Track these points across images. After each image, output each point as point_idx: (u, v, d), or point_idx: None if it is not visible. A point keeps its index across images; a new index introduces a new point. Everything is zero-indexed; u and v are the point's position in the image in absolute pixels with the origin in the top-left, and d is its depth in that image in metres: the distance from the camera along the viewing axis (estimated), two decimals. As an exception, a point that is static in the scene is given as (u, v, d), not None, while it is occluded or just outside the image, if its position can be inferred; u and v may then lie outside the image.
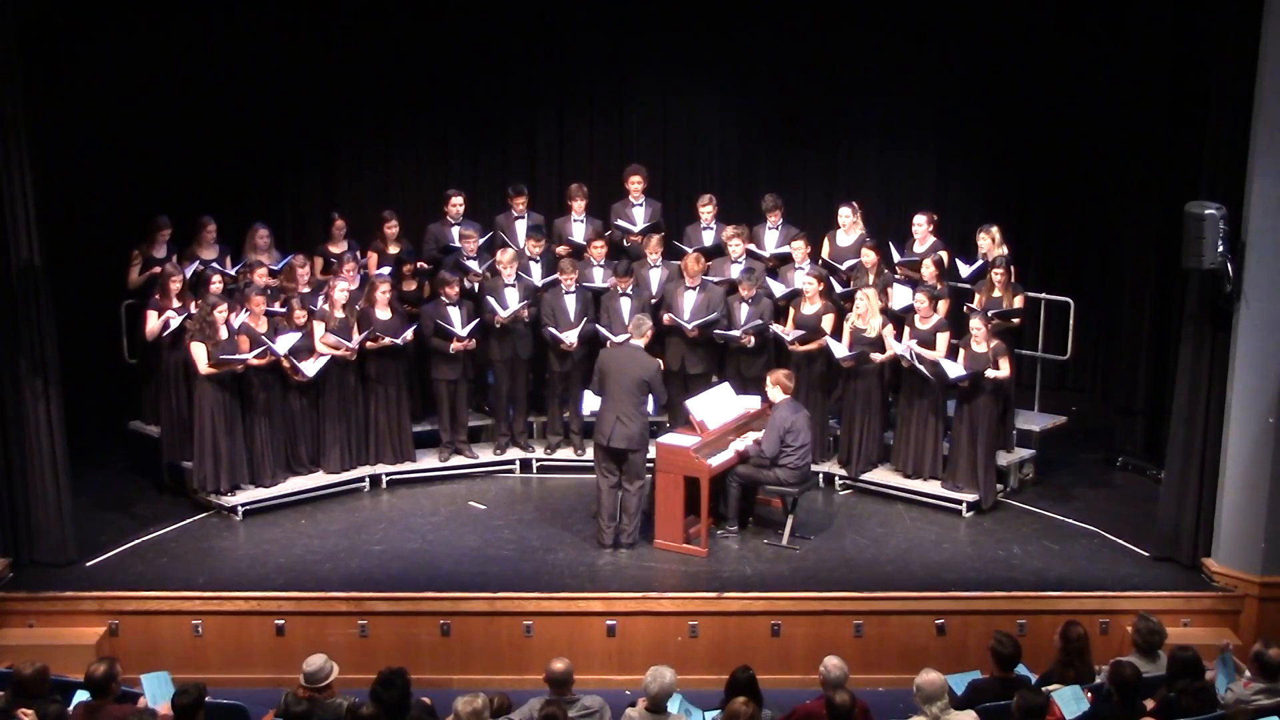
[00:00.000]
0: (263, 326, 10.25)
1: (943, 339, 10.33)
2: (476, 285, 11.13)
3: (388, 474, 10.88)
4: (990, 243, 10.93)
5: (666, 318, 10.77)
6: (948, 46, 12.60)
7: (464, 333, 10.65)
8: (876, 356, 10.46)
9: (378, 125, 12.90)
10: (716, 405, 10.06)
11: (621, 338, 9.72)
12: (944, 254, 11.03)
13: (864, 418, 10.70)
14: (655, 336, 10.87)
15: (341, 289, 10.50)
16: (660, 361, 10.14)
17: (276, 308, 10.50)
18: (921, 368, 10.21)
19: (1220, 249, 8.85)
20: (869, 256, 10.93)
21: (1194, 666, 7.10)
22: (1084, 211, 12.79)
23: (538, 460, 11.25)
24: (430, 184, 12.61)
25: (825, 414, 10.98)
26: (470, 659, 9.02)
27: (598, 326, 10.80)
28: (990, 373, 10.08)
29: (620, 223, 11.58)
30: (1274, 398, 9.01)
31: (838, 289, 11.07)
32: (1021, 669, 7.43)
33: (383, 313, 10.59)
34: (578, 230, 11.52)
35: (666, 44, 12.75)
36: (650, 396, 9.80)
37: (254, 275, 10.60)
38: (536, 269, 11.17)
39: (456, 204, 11.49)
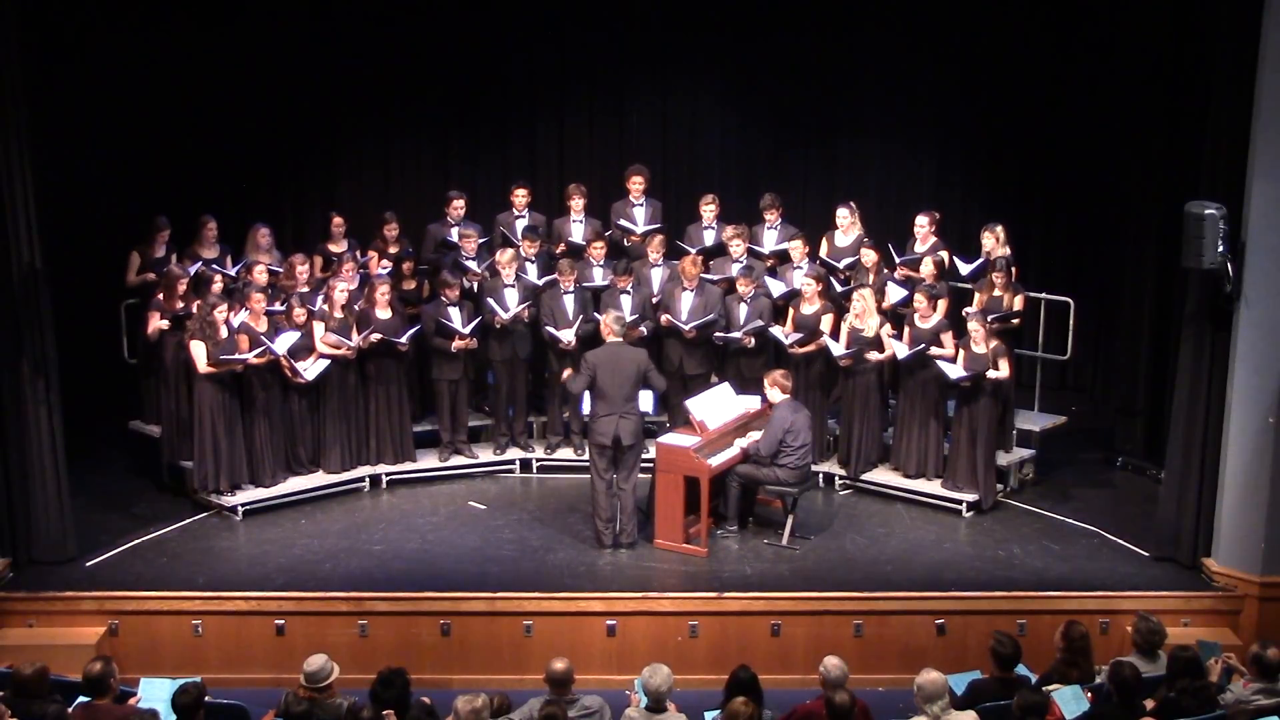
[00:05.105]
0: (263, 326, 10.25)
1: (947, 339, 10.34)
2: (475, 285, 11.13)
3: (388, 474, 10.88)
4: (994, 242, 10.93)
5: (664, 319, 10.78)
6: (947, 47, 12.60)
7: (465, 330, 10.66)
8: (874, 356, 10.47)
9: (378, 125, 12.91)
10: (716, 405, 10.05)
11: (614, 340, 9.70)
12: (944, 254, 11.04)
13: (863, 417, 10.70)
14: (653, 337, 10.91)
15: (341, 289, 10.50)
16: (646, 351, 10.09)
17: (276, 307, 10.50)
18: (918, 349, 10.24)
19: (1220, 249, 8.85)
20: (869, 256, 10.95)
21: (1194, 666, 7.10)
22: (1084, 211, 12.79)
23: (538, 460, 11.25)
24: (430, 184, 12.62)
25: (824, 414, 10.99)
26: (470, 659, 9.01)
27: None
28: (990, 373, 10.09)
29: (622, 222, 11.59)
30: (1274, 398, 9.02)
31: (837, 288, 11.07)
32: (1021, 669, 7.43)
33: (383, 313, 10.59)
34: (576, 230, 11.52)
35: (666, 44, 12.75)
36: (645, 393, 9.72)
37: (253, 274, 10.61)
38: (532, 269, 11.17)
39: (458, 206, 11.50)
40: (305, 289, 10.74)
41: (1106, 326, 12.64)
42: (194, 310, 10.16)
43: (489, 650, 9.03)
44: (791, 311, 10.80)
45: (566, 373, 9.91)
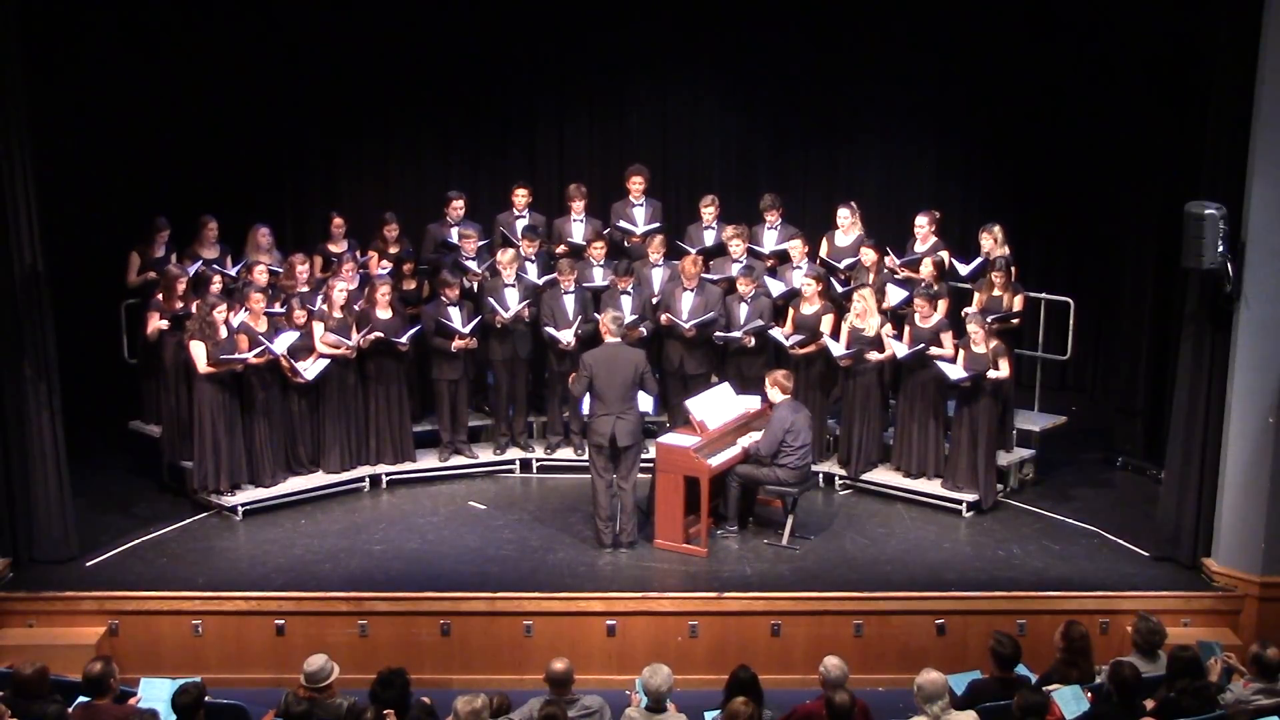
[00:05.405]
0: (262, 326, 10.26)
1: (947, 339, 10.34)
2: (476, 285, 11.13)
3: (388, 474, 10.88)
4: (992, 242, 10.93)
5: (664, 318, 10.78)
6: (947, 47, 12.60)
7: (465, 330, 10.65)
8: (874, 356, 10.47)
9: (378, 125, 12.91)
10: (716, 405, 10.05)
11: (612, 340, 9.69)
12: (944, 254, 11.05)
13: (863, 417, 10.70)
14: (654, 336, 10.91)
15: (340, 289, 10.50)
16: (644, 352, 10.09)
17: (276, 308, 10.50)
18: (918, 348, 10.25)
19: (1220, 249, 8.85)
20: (869, 255, 10.95)
21: (1194, 666, 7.10)
22: (1084, 211, 12.79)
23: (538, 460, 11.25)
24: (430, 184, 12.61)
25: (824, 414, 10.99)
26: (470, 659, 9.02)
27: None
28: (991, 373, 10.09)
29: (621, 223, 11.59)
30: (1274, 398, 9.02)
31: (837, 288, 11.08)
32: (1021, 669, 7.43)
33: (383, 313, 10.59)
34: (577, 230, 11.52)
35: (666, 44, 12.75)
36: (643, 394, 9.74)
37: (253, 274, 10.61)
38: (532, 268, 11.17)
39: (457, 207, 11.50)
40: (305, 289, 10.74)
41: (1106, 326, 12.65)
42: (194, 310, 10.16)
43: (489, 650, 9.03)
44: (791, 311, 10.80)
45: (572, 377, 9.90)
